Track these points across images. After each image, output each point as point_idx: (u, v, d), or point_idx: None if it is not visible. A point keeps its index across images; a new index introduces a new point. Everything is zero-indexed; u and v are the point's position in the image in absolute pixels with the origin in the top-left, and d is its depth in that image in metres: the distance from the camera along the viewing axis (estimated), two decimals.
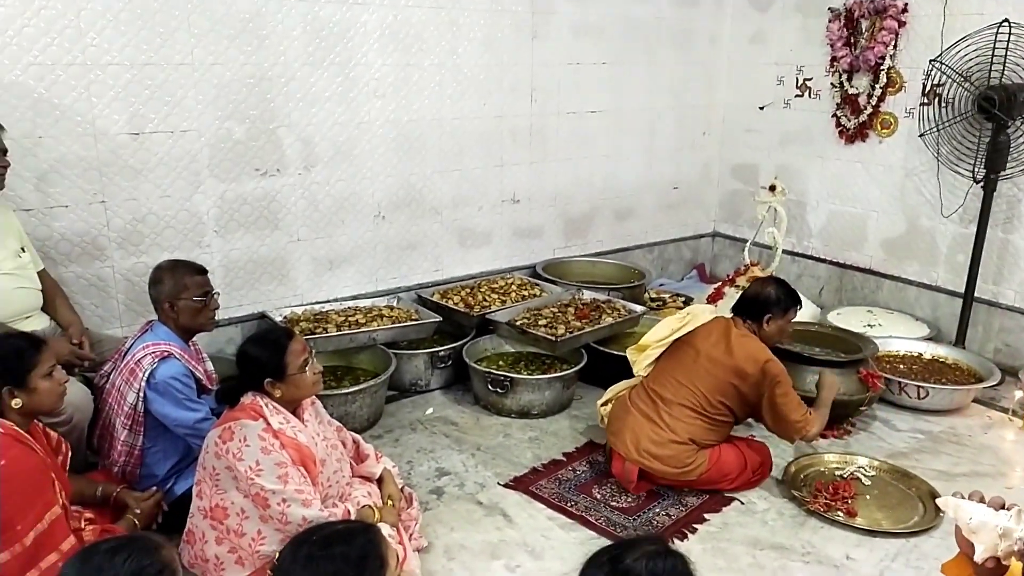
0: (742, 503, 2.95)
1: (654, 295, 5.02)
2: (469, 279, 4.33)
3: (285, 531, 2.21)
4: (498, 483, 3.03)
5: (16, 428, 2.11)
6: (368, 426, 3.40)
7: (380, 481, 2.62)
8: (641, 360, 3.10)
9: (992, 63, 3.77)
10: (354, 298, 3.94)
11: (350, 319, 3.67)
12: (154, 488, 2.59)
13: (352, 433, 2.73)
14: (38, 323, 2.76)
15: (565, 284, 4.40)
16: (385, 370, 3.45)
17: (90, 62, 3.06)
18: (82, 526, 2.27)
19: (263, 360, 2.32)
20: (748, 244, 4.78)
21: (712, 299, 4.68)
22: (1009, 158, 3.82)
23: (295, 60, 3.55)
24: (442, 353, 3.74)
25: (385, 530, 2.41)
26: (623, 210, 5.09)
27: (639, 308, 4.10)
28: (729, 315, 3.09)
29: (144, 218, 3.32)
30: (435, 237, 4.24)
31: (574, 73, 4.56)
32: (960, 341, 4.12)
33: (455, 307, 3.95)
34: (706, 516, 2.86)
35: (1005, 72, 3.74)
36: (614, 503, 2.92)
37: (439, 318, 3.77)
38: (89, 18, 3.02)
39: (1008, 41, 3.72)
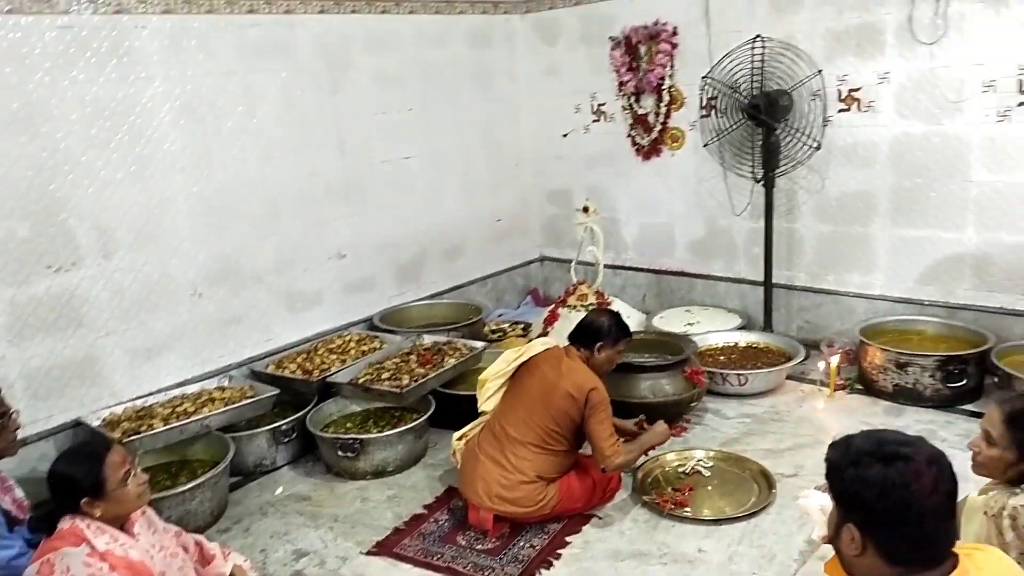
0: (599, 518, 3.07)
1: (494, 327, 5.13)
2: (304, 343, 4.21)
3: None
4: (360, 552, 2.95)
5: None
6: (213, 520, 3.20)
7: None
8: (483, 394, 3.16)
9: (752, 74, 4.21)
10: (180, 385, 3.71)
11: (178, 409, 3.45)
12: None
13: (193, 535, 2.55)
14: None
15: (404, 332, 4.40)
16: (224, 458, 3.27)
17: None
18: None
19: (78, 478, 2.13)
20: (573, 264, 5.01)
21: (548, 321, 4.85)
22: (781, 157, 4.28)
23: (77, 145, 3.32)
24: (284, 427, 3.61)
25: None
26: (451, 249, 5.17)
27: (479, 344, 4.17)
28: (565, 343, 3.22)
29: None
30: (261, 306, 4.09)
31: (382, 122, 4.60)
32: (768, 325, 4.54)
33: (292, 375, 3.83)
34: (567, 539, 2.95)
35: (764, 82, 4.20)
36: (479, 546, 2.93)
37: (277, 391, 3.63)
38: None
39: (763, 54, 4.17)
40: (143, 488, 2.22)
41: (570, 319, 4.76)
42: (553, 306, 4.95)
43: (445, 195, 5.06)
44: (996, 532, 1.91)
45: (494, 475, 2.94)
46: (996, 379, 3.64)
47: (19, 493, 2.58)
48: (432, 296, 5.00)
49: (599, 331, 3.15)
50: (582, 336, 3.16)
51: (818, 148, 4.19)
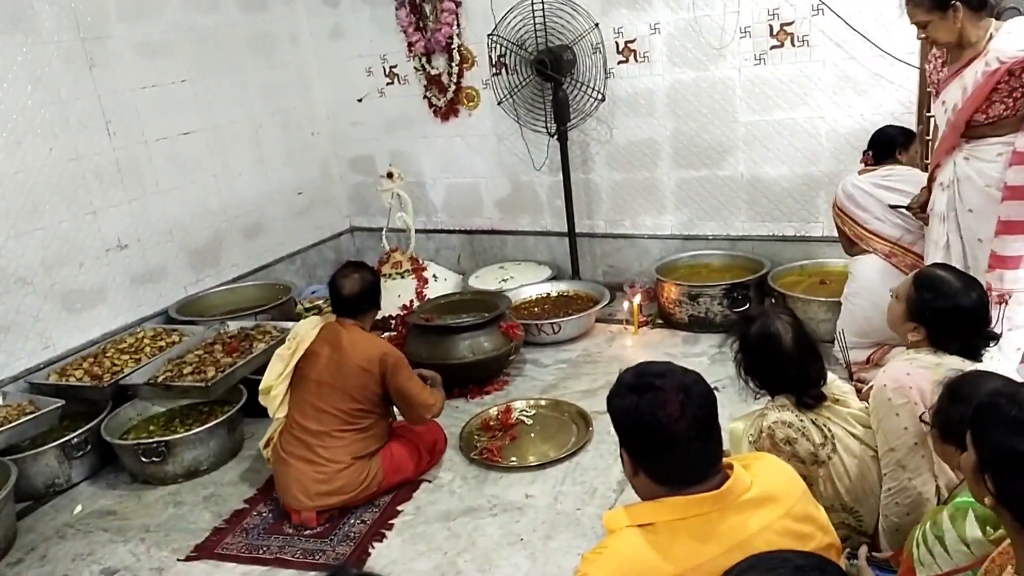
0: (429, 482, 3.09)
1: (308, 304, 4.93)
2: (90, 346, 3.82)
3: None
4: (178, 559, 2.76)
5: None
6: (1, 554, 2.85)
7: None
8: (272, 402, 2.94)
9: (536, 31, 4.29)
10: None
11: None
12: None
13: None
14: None
15: (206, 321, 4.11)
16: (4, 484, 2.90)
17: None
18: None
19: None
20: (384, 232, 4.93)
21: None
22: (570, 110, 4.42)
23: None
24: (76, 440, 3.26)
25: None
26: (251, 227, 4.88)
27: (291, 324, 3.97)
28: (332, 319, 3.00)
29: None
30: (32, 311, 3.64)
31: (153, 96, 4.20)
32: (575, 274, 4.74)
33: (80, 383, 3.47)
34: (399, 508, 2.93)
35: (548, 37, 4.29)
36: (308, 531, 2.84)
37: (62, 402, 3.25)
38: None
39: (543, 10, 4.26)
40: None
41: (386, 288, 4.67)
42: None
43: (235, 171, 4.74)
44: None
45: (308, 475, 2.82)
46: (773, 300, 4.05)
47: None
48: (235, 280, 4.71)
49: (359, 295, 2.93)
50: (346, 306, 2.95)
51: (603, 100, 4.38)
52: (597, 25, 4.26)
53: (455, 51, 4.78)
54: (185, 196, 4.41)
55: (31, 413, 3.20)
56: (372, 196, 5.32)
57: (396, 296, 4.62)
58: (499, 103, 4.62)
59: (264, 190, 4.95)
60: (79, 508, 3.16)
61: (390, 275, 4.75)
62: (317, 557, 2.69)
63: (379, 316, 4.56)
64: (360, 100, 5.22)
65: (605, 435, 3.18)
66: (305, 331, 2.97)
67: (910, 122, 3.80)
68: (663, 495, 1.49)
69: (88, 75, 3.87)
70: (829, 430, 2.08)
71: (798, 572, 1.10)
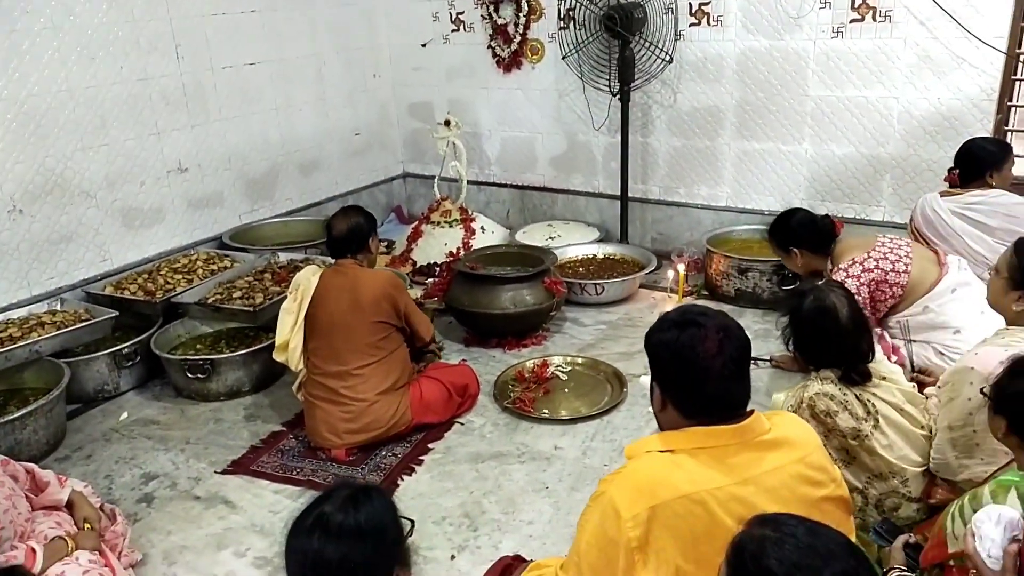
0: (462, 424, 3.13)
1: None
2: (145, 263, 3.94)
3: None
4: (215, 472, 2.87)
5: None
6: (50, 449, 2.99)
7: (71, 506, 2.35)
8: (292, 355, 2.95)
9: None
10: (4, 310, 3.39)
11: (2, 335, 3.15)
12: None
13: (23, 463, 2.38)
14: None
15: (257, 250, 4.20)
16: (57, 384, 3.03)
17: None
18: None
19: None
20: (436, 180, 4.94)
21: (412, 239, 4.80)
22: (636, 70, 4.34)
23: None
24: (126, 350, 3.39)
25: (85, 557, 2.19)
26: (307, 164, 4.94)
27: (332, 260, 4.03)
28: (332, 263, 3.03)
29: None
30: (93, 224, 3.76)
31: (222, 24, 4.24)
32: (624, 238, 4.70)
33: (133, 297, 3.58)
34: (430, 446, 2.99)
35: None
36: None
37: (115, 313, 3.38)
38: None
39: None
40: None
41: (434, 235, 4.74)
42: (416, 223, 4.89)
43: (297, 105, 4.79)
44: None
45: (335, 415, 2.88)
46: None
47: None
48: (288, 213, 4.79)
49: (353, 235, 2.93)
50: (341, 246, 2.95)
51: (670, 61, 4.28)
52: None
53: (523, 1, 4.71)
54: (247, 126, 4.47)
55: (86, 321, 3.32)
56: (427, 143, 5.33)
57: (443, 244, 4.65)
58: (563, 58, 4.56)
59: (323, 127, 4.99)
60: (125, 415, 3.29)
61: (439, 223, 4.77)
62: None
63: (426, 262, 4.63)
64: (424, 45, 5.19)
65: (639, 398, 3.18)
66: (306, 280, 2.94)
67: (989, 110, 3.65)
68: (687, 428, 1.52)
69: None
70: (873, 406, 2.05)
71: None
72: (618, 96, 4.39)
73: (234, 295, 3.59)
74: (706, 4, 4.19)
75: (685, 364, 1.50)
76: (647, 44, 4.28)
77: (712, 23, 4.21)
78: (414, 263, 4.67)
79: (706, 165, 4.51)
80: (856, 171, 4.10)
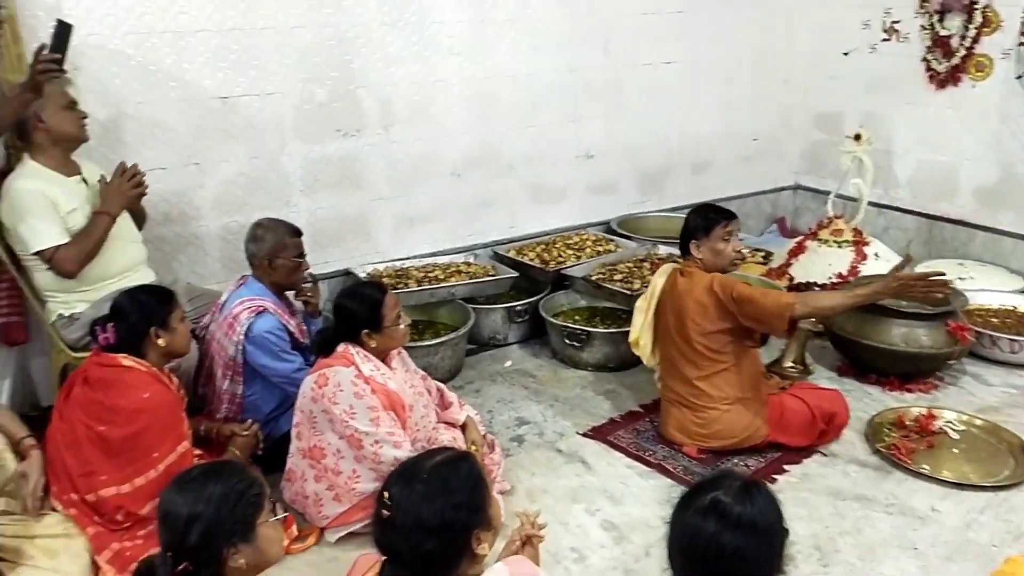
0: (824, 455, 2.94)
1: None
2: (544, 235, 4.37)
3: (378, 470, 2.34)
4: (576, 432, 3.10)
5: (154, 367, 2.31)
6: (450, 377, 3.51)
7: (463, 427, 2.73)
8: (643, 351, 3.04)
9: None
10: (433, 255, 4.04)
11: (429, 275, 3.78)
12: (250, 421, 2.68)
13: (436, 382, 2.83)
14: (145, 276, 2.92)
15: (640, 239, 4.39)
16: (464, 324, 3.54)
17: (181, 29, 3.19)
18: (192, 461, 2.46)
19: (361, 313, 2.44)
20: (832, 196, 4.64)
21: (794, 253, 4.58)
22: None
23: (372, 21, 3.61)
24: (519, 308, 3.81)
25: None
26: (700, 163, 5.01)
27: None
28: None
29: (235, 179, 3.47)
30: (510, 194, 4.28)
31: (649, 22, 4.48)
32: None
33: (531, 263, 4.01)
34: (786, 467, 2.86)
35: None
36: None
37: (515, 274, 3.84)
38: None
39: None
40: (408, 329, 2.51)
41: (819, 253, 4.47)
42: (801, 238, 4.66)
43: (701, 106, 4.87)
44: None
45: (687, 417, 2.90)
46: None
47: (300, 320, 2.99)
48: (673, 209, 4.91)
49: (687, 233, 2.87)
50: (681, 246, 2.93)
51: None
52: None
53: (977, 11, 4.16)
54: (650, 121, 4.68)
55: (492, 276, 3.82)
56: (828, 156, 5.02)
57: (827, 264, 4.35)
58: (1018, 77, 3.94)
59: (720, 128, 5.01)
60: (509, 363, 3.72)
61: (827, 241, 4.48)
62: (696, 479, 2.77)
63: (804, 279, 4.40)
64: (846, 54, 4.89)
65: None
66: (655, 281, 3.00)
67: None
68: None
69: None
70: None
71: None
72: None
73: (615, 277, 3.82)
74: None
75: None
76: None
77: None
78: (791, 278, 4.47)
79: None
80: None
